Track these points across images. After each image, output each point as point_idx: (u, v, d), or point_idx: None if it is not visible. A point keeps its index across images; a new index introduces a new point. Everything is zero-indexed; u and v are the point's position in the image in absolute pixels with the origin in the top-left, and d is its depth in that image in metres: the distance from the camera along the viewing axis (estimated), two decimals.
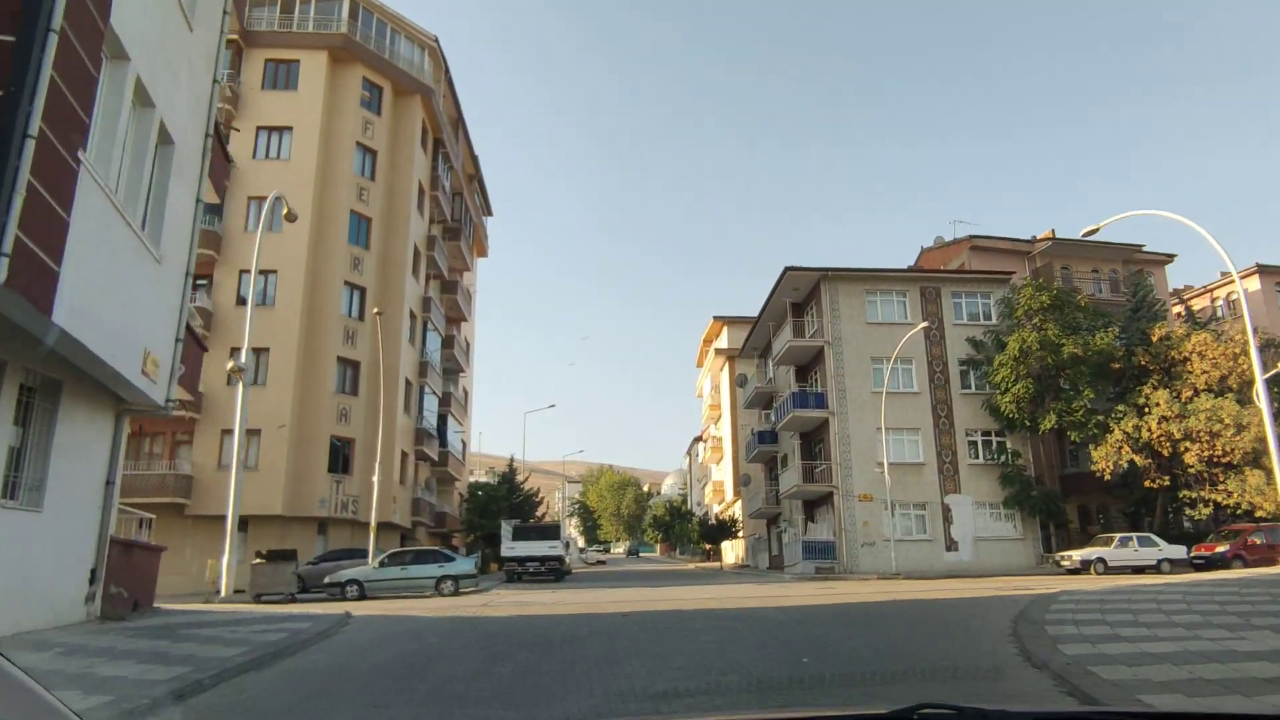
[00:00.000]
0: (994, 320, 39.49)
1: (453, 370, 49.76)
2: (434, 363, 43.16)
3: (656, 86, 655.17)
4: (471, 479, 57.81)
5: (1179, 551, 32.04)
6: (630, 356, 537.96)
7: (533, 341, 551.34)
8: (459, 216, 50.25)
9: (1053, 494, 36.23)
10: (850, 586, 23.39)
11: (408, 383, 39.70)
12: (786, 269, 38.99)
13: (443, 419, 45.59)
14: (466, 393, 55.23)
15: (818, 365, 40.07)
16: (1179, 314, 44.13)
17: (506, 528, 35.47)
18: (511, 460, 56.06)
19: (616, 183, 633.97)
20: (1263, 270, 47.86)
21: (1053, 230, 46.12)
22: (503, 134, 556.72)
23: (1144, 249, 45.84)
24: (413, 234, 40.29)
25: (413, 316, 40.69)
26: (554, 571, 34.11)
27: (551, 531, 35.55)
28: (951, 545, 36.72)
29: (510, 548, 33.86)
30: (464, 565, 26.09)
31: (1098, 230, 22.01)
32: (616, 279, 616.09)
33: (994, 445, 38.10)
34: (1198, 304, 49.29)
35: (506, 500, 49.17)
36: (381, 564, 25.80)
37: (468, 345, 55.51)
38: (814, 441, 40.77)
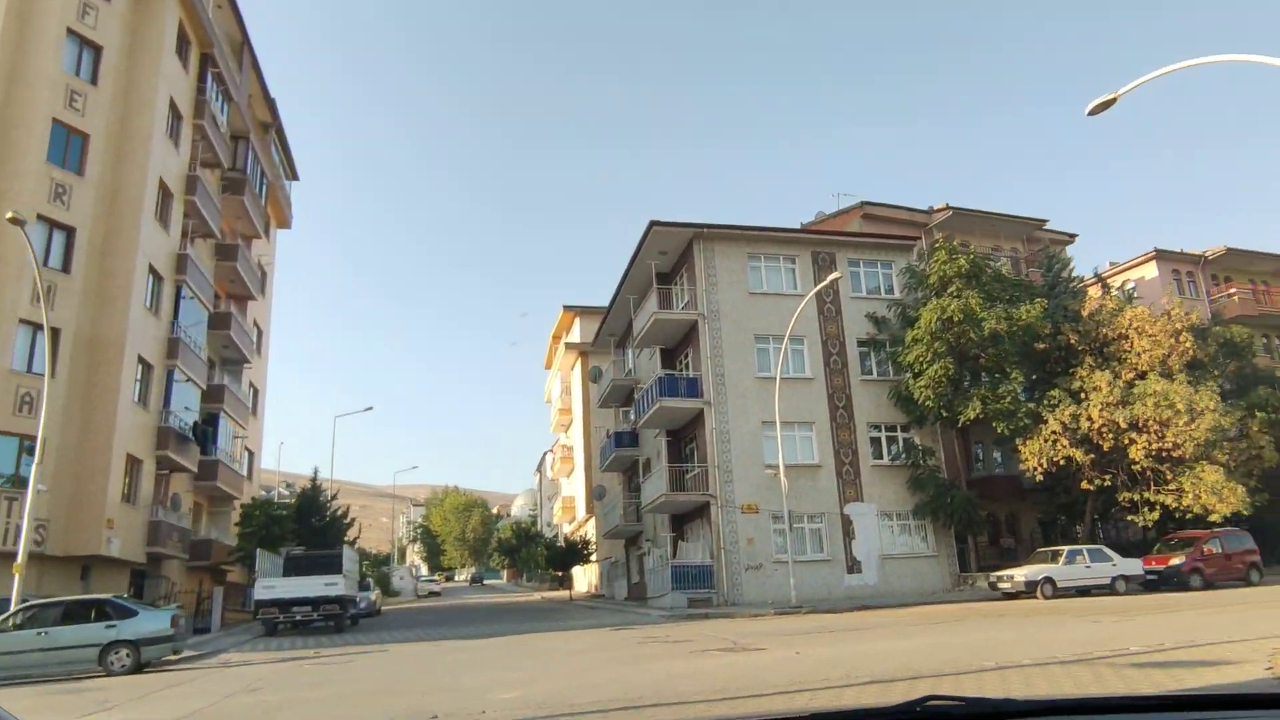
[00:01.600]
0: (897, 293, 32.99)
1: (234, 360, 39.10)
2: (191, 342, 32.54)
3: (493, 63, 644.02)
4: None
5: (1134, 566, 26.02)
6: (478, 368, 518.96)
7: (364, 344, 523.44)
8: (244, 166, 39.79)
9: (972, 499, 29.73)
10: (771, 643, 15.25)
11: (144, 363, 29.10)
12: (652, 224, 31.11)
13: (211, 419, 34.94)
14: (256, 391, 44.38)
15: (689, 345, 32.35)
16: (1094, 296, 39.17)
17: (265, 559, 25.50)
18: (315, 474, 45.52)
19: (465, 158, 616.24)
20: (1160, 255, 43.96)
21: (946, 204, 40.44)
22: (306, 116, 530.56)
23: (1046, 225, 40.95)
24: (157, 166, 29.84)
25: (156, 275, 30.14)
26: (333, 618, 24.38)
27: (331, 563, 25.71)
28: (854, 566, 29.60)
29: (267, 587, 23.80)
30: (148, 623, 16.35)
31: (1114, 99, 15.08)
32: (458, 275, 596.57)
33: (900, 442, 31.39)
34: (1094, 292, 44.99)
35: (298, 523, 38.72)
36: (10, 626, 15.75)
37: (259, 332, 44.77)
38: (685, 440, 32.95)
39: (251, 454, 43.42)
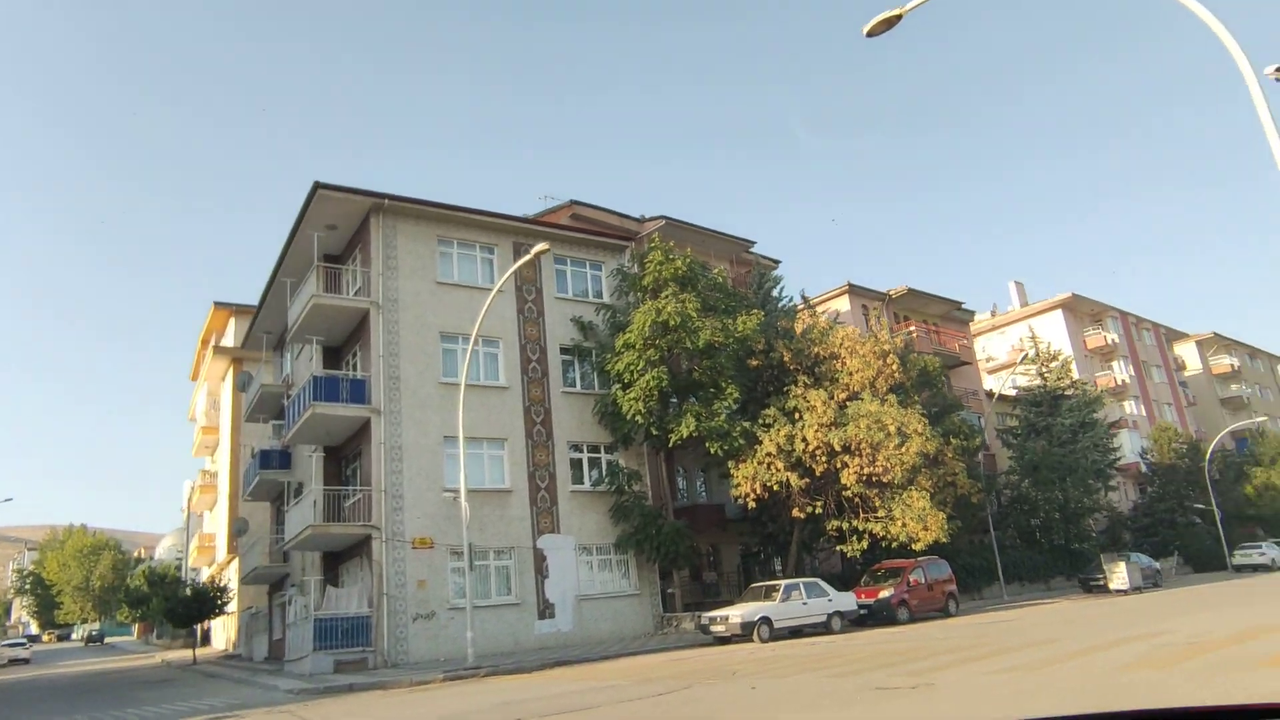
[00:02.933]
0: (606, 298, 29.36)
1: None
2: None
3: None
4: None
5: (849, 601, 23.84)
6: (118, 385, 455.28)
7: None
8: None
9: (683, 530, 26.38)
10: None
11: None
12: (317, 185, 24.78)
13: None
14: None
15: (359, 342, 26.26)
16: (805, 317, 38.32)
17: None
18: None
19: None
20: (852, 290, 44.97)
21: (660, 214, 37.93)
22: None
23: (753, 248, 39.82)
24: None
25: None
26: None
27: None
28: (546, 610, 24.91)
29: None
30: None
31: (900, 15, 12.04)
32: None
33: (603, 465, 27.47)
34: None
35: None
36: None
37: None
38: (347, 459, 26.61)
39: None
